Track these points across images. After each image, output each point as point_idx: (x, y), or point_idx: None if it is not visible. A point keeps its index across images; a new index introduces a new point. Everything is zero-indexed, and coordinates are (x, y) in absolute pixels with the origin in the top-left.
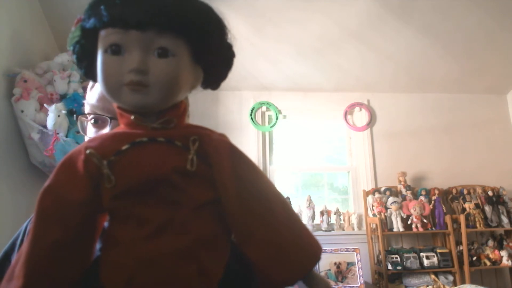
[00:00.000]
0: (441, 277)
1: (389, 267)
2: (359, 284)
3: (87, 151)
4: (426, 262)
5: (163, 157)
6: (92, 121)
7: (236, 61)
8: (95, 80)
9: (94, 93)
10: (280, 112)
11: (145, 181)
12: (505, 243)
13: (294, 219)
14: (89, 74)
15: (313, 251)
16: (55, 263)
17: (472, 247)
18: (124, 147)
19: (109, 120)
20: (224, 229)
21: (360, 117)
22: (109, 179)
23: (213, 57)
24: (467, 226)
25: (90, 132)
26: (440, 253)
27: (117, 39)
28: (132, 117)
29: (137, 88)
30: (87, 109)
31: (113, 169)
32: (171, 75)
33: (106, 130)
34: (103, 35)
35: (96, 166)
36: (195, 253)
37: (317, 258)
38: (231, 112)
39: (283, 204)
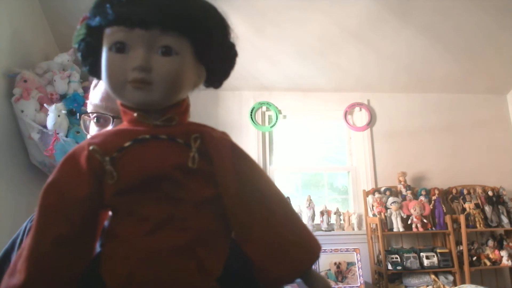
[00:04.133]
0: (441, 277)
1: (389, 267)
2: (359, 284)
3: (90, 148)
4: (426, 262)
5: (165, 154)
6: (95, 119)
7: (236, 61)
8: (99, 78)
9: (97, 92)
10: (280, 112)
11: (147, 178)
12: (505, 243)
13: (294, 217)
14: (94, 72)
15: (312, 249)
16: (57, 258)
17: (472, 247)
18: (126, 144)
19: (111, 119)
20: (224, 226)
21: (360, 117)
22: (111, 175)
23: (216, 56)
24: (467, 226)
25: (93, 131)
26: (440, 253)
27: (122, 37)
28: (135, 114)
29: (141, 85)
30: (89, 108)
31: (116, 166)
32: (174, 73)
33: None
34: (108, 33)
35: (99, 162)
36: (194, 250)
37: (316, 256)
38: (231, 112)
39: (283, 203)
